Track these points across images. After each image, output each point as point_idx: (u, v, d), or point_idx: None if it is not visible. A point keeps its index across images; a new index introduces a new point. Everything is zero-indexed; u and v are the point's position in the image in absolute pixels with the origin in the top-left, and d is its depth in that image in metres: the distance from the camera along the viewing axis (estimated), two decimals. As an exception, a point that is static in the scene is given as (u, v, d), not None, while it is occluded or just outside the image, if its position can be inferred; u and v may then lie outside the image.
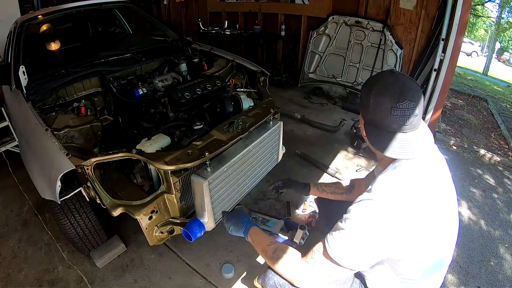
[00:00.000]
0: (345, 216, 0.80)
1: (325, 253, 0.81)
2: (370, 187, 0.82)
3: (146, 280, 1.56)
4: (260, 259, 1.65)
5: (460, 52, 2.89)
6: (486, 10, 11.51)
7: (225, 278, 1.56)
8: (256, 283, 1.29)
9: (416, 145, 0.80)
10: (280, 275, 0.93)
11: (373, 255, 0.78)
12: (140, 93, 1.77)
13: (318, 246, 0.85)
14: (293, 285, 0.90)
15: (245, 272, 1.60)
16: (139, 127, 1.66)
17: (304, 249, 0.90)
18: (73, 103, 1.68)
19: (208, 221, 1.32)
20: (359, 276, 1.00)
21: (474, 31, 15.69)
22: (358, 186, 1.29)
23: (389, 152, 0.79)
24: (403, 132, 0.79)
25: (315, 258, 0.84)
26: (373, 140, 0.83)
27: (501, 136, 3.65)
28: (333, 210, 1.27)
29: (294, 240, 1.62)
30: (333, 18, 3.74)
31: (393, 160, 0.83)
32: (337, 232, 0.80)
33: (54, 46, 2.43)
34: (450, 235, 0.86)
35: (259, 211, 1.91)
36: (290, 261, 0.90)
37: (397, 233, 0.75)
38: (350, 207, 0.81)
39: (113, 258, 1.66)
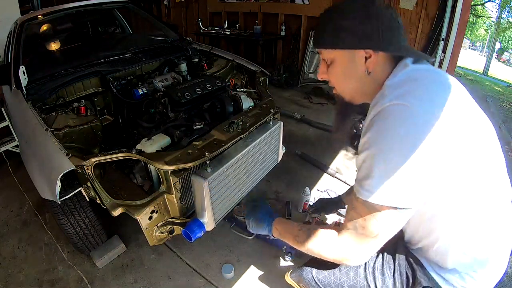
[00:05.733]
0: (363, 140, 0.65)
1: (363, 205, 0.66)
2: (378, 96, 0.67)
3: (146, 280, 1.56)
4: (261, 259, 1.65)
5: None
6: (486, 10, 11.53)
7: (225, 278, 1.56)
8: (288, 279, 1.14)
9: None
10: (327, 259, 0.77)
11: (419, 177, 0.61)
12: (140, 93, 1.77)
13: (351, 212, 0.70)
14: (342, 264, 0.78)
15: (245, 272, 1.60)
16: (139, 127, 1.66)
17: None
18: (73, 103, 1.67)
19: (208, 221, 1.32)
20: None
21: (474, 31, 15.72)
22: None
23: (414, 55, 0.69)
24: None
25: (354, 222, 0.69)
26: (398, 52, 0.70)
27: (501, 136, 3.65)
28: None
29: None
30: (333, 18, 3.74)
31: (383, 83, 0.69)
32: (364, 169, 0.64)
33: (54, 46, 2.43)
34: (498, 173, 0.69)
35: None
36: (330, 238, 0.75)
37: (439, 147, 0.59)
38: (365, 128, 0.65)
39: (113, 258, 1.66)
